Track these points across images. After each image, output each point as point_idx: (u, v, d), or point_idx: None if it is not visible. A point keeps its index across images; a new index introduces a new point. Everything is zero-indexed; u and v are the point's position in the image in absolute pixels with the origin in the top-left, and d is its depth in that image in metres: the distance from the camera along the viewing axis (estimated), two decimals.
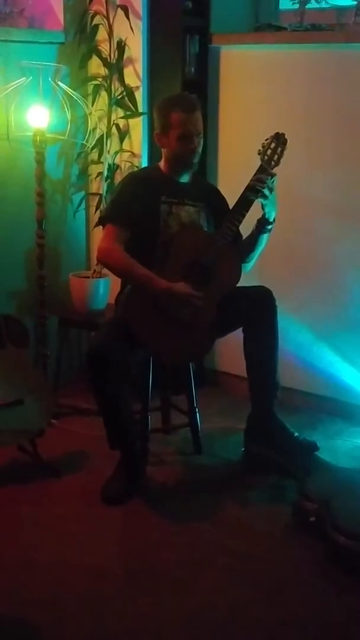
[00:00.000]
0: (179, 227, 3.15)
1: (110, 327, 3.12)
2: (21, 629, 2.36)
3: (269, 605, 2.47)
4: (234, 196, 3.10)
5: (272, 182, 3.08)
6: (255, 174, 3.07)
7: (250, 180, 3.06)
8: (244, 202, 3.06)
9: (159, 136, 3.17)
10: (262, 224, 3.17)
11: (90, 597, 2.49)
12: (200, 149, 3.16)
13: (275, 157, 3.08)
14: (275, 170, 3.08)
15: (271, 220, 3.17)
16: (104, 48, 3.82)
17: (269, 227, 3.18)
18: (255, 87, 3.79)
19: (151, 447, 3.33)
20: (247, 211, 3.07)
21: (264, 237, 3.20)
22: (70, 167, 4.00)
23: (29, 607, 2.44)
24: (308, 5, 3.78)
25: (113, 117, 3.84)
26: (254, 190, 3.05)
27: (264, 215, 3.15)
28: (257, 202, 3.09)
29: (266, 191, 3.06)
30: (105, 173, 3.85)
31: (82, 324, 3.89)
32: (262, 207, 3.13)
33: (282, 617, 2.42)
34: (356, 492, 2.92)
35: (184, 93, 3.41)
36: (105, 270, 3.69)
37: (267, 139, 3.10)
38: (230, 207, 3.15)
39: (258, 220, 3.18)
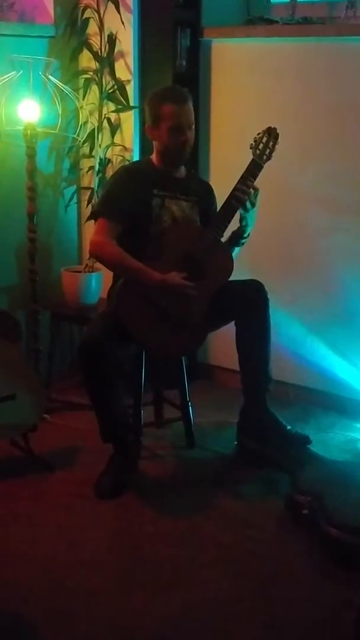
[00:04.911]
0: (171, 220, 3.15)
1: (103, 320, 3.12)
2: (14, 623, 2.36)
3: (262, 598, 2.47)
4: (225, 191, 3.10)
5: (256, 196, 3.09)
6: (246, 169, 3.07)
7: (237, 183, 3.06)
8: (228, 210, 3.07)
9: (150, 129, 3.17)
10: (237, 237, 3.19)
11: (83, 592, 2.49)
12: (191, 141, 3.16)
13: (267, 151, 3.09)
14: (267, 164, 3.09)
15: (246, 235, 3.18)
16: (95, 42, 3.81)
17: (243, 241, 3.20)
18: (247, 80, 3.79)
19: (144, 441, 3.33)
20: (231, 219, 3.09)
21: (236, 250, 3.22)
22: (61, 161, 3.98)
23: (22, 602, 2.44)
24: None
25: (104, 111, 3.84)
26: (236, 200, 3.06)
27: (239, 227, 3.17)
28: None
29: (248, 204, 3.07)
30: (97, 167, 3.84)
31: (74, 319, 3.88)
32: (241, 219, 3.14)
33: (276, 609, 2.42)
34: (349, 485, 2.93)
35: (174, 85, 3.40)
36: (97, 265, 3.69)
37: (259, 134, 3.10)
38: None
39: (233, 232, 3.19)
